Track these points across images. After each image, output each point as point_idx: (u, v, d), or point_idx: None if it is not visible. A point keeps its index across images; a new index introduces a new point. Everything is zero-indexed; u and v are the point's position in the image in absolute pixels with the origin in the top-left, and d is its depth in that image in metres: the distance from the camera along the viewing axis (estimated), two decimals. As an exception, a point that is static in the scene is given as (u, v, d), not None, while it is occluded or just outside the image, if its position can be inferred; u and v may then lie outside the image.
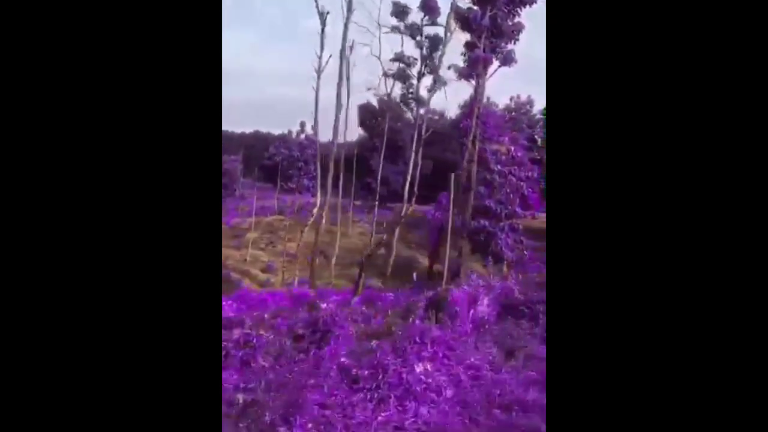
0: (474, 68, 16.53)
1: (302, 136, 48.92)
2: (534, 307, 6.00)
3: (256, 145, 56.59)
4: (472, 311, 5.74)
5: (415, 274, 31.12)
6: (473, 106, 16.85)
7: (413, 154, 17.01)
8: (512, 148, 27.54)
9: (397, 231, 20.95)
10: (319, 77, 13.35)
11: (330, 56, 13.11)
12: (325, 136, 23.47)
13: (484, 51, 16.99)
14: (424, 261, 35.15)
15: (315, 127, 13.25)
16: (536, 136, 56.71)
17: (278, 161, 41.97)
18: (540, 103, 61.67)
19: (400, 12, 18.28)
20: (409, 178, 17.46)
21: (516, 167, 27.26)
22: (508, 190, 27.23)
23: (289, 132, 49.00)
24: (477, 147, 14.20)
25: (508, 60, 17.30)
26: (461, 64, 18.05)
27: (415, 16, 18.67)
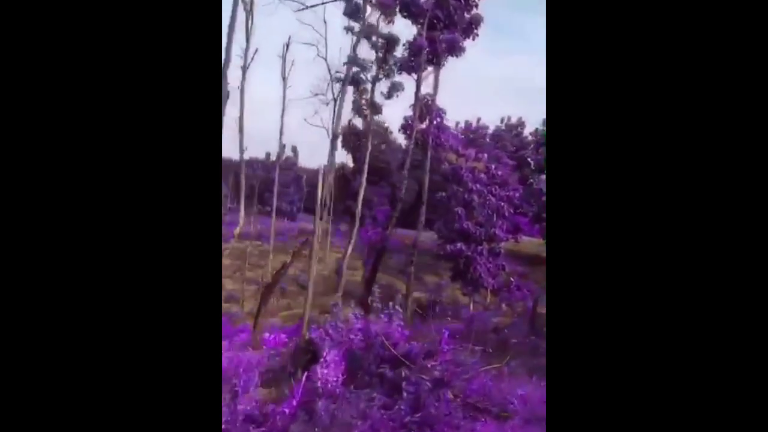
0: (416, 59, 14.48)
1: (282, 158, 47.30)
2: (401, 369, 3.83)
3: (248, 171, 55.17)
4: (306, 374, 3.64)
5: (391, 305, 28.98)
6: (416, 105, 14.87)
7: (365, 173, 14.93)
8: (492, 166, 25.56)
9: (348, 253, 18.65)
10: (243, 75, 11.47)
11: (256, 50, 11.32)
12: (310, 160, 21.47)
13: (430, 42, 15.03)
14: (404, 289, 32.94)
15: (241, 137, 11.25)
16: (529, 159, 55.17)
17: (254, 185, 40.22)
18: (530, 125, 60.44)
19: (354, 11, 16.36)
20: (359, 203, 15.43)
21: (496, 186, 25.23)
22: (489, 212, 25.12)
23: (267, 155, 47.55)
24: (430, 154, 12.20)
25: (453, 48, 15.21)
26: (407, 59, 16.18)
27: (371, 16, 16.90)
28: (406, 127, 14.47)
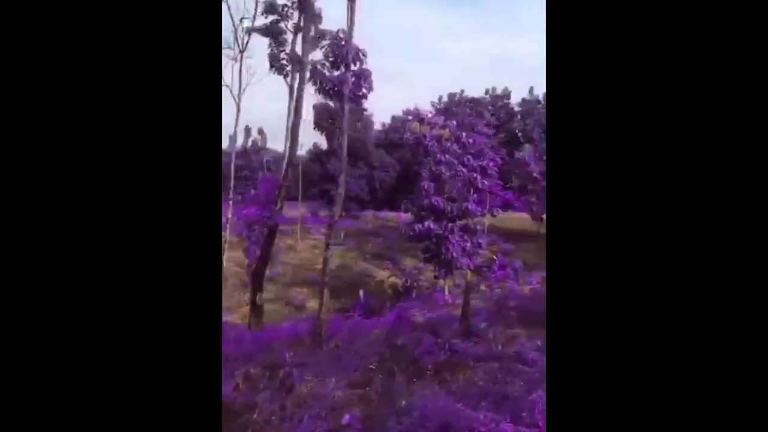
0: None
1: (249, 142, 44.68)
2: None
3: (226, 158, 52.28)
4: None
5: (361, 292, 26.74)
6: (305, 33, 11.81)
7: (289, 143, 12.00)
8: (463, 134, 22.97)
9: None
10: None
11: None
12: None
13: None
14: (380, 274, 30.74)
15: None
16: (517, 131, 52.69)
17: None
18: (517, 95, 58.08)
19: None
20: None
21: (469, 157, 22.68)
22: (460, 185, 22.59)
23: (231, 138, 44.86)
24: (347, 108, 9.58)
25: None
26: None
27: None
28: (314, 74, 11.75)
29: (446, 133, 20.74)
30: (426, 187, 21.51)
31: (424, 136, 20.78)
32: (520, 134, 51.34)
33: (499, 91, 56.31)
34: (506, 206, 41.72)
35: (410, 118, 51.75)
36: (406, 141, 22.35)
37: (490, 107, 54.61)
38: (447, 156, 21.76)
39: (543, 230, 31.39)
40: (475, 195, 22.45)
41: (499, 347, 6.17)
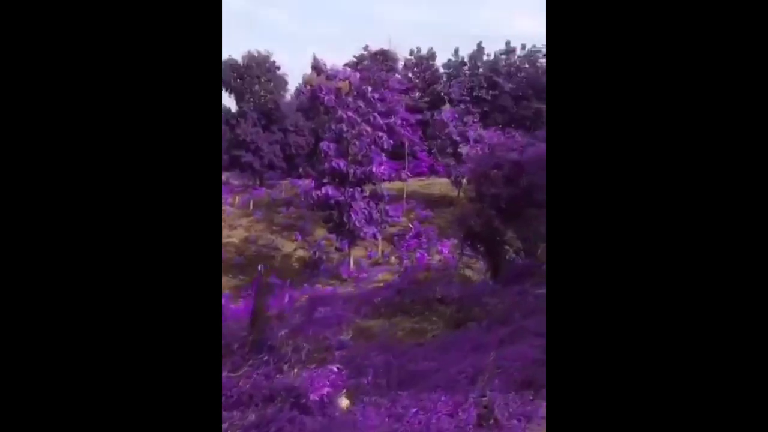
0: None
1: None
2: None
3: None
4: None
5: (261, 267, 24.22)
6: None
7: None
8: (368, 89, 20.49)
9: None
10: None
11: None
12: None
13: None
14: (286, 248, 28.34)
15: None
16: (443, 94, 50.90)
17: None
18: (442, 57, 56.37)
19: None
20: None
21: (376, 114, 20.27)
22: (365, 146, 20.22)
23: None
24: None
25: None
26: None
27: None
28: None
29: (345, 85, 18.23)
30: (325, 148, 19.00)
31: (320, 89, 18.19)
32: (445, 96, 49.64)
33: (424, 52, 54.12)
34: (432, 171, 40.13)
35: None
36: (303, 95, 19.70)
37: (415, 69, 52.47)
38: (349, 113, 19.26)
39: (462, 194, 29.92)
40: (381, 157, 20.20)
41: (294, 371, 3.88)
